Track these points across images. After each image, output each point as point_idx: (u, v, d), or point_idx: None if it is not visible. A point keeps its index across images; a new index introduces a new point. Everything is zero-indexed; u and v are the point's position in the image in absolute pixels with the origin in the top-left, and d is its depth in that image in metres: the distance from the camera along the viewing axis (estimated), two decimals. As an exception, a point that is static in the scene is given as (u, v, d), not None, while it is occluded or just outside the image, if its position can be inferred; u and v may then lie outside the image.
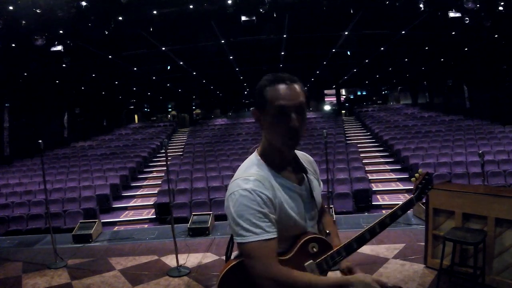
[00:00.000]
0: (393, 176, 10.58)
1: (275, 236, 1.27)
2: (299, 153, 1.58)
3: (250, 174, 1.35)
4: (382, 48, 14.40)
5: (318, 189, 1.57)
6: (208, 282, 4.42)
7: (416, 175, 1.68)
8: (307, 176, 1.51)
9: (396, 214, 1.52)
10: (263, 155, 1.43)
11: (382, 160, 12.31)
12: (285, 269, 1.25)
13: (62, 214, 8.08)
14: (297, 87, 1.35)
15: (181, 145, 16.21)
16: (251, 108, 1.45)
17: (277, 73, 1.37)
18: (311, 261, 1.39)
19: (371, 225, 1.47)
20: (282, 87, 1.33)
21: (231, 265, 1.37)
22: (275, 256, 1.26)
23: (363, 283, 1.21)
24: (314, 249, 1.41)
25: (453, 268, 3.73)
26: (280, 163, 1.42)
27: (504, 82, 15.88)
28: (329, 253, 1.41)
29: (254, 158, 1.44)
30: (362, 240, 1.43)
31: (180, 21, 9.32)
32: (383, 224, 1.47)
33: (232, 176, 1.46)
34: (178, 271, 4.71)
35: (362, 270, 1.40)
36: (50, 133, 17.53)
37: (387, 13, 9.63)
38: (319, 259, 1.39)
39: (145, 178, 12.13)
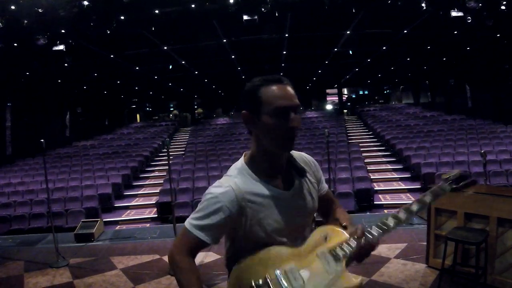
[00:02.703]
0: (395, 175, 10.56)
1: (202, 239, 1.31)
2: (295, 154, 1.54)
3: (226, 180, 1.37)
4: (384, 48, 14.38)
5: (314, 191, 1.52)
6: (210, 281, 4.42)
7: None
8: (302, 179, 1.47)
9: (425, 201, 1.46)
10: (250, 160, 1.41)
11: (384, 159, 12.29)
12: (184, 262, 1.32)
13: (64, 213, 8.10)
14: (291, 88, 1.36)
15: (183, 144, 16.24)
16: (242, 111, 1.38)
17: (268, 75, 1.36)
18: (324, 248, 1.35)
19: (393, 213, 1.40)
20: (279, 87, 1.32)
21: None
22: (190, 249, 1.33)
23: None
24: (326, 238, 1.38)
25: (455, 268, 3.71)
26: (269, 168, 1.39)
27: (506, 82, 15.83)
28: (343, 240, 1.34)
29: (239, 163, 1.43)
30: (383, 228, 1.36)
31: (181, 21, 9.32)
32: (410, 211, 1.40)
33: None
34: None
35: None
36: (52, 132, 17.57)
37: (389, 12, 9.61)
38: (332, 246, 1.34)
39: (147, 177, 12.15)
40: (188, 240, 1.33)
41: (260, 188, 1.35)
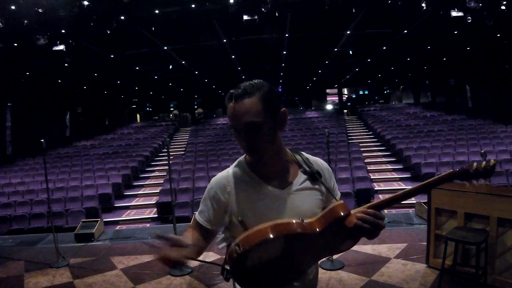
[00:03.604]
0: (395, 175, 10.56)
1: (199, 222, 1.49)
2: (311, 158, 1.52)
3: (225, 171, 1.50)
4: (384, 47, 14.38)
5: (319, 198, 1.47)
6: (210, 281, 4.43)
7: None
8: (307, 183, 1.44)
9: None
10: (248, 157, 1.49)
11: (384, 159, 12.28)
12: (188, 231, 1.51)
13: (64, 213, 8.10)
14: (245, 103, 1.27)
15: (183, 144, 16.23)
16: None
17: (235, 88, 1.32)
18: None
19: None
20: (229, 106, 1.32)
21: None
22: (194, 224, 1.52)
23: None
24: None
25: (455, 268, 3.71)
26: (262, 168, 1.41)
27: (506, 82, 15.84)
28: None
29: (241, 157, 1.51)
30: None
31: (182, 20, 9.32)
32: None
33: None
34: (180, 270, 4.71)
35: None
36: (52, 132, 17.60)
37: (389, 12, 9.61)
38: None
39: (147, 177, 12.15)
40: (194, 222, 1.54)
41: (250, 180, 1.41)
